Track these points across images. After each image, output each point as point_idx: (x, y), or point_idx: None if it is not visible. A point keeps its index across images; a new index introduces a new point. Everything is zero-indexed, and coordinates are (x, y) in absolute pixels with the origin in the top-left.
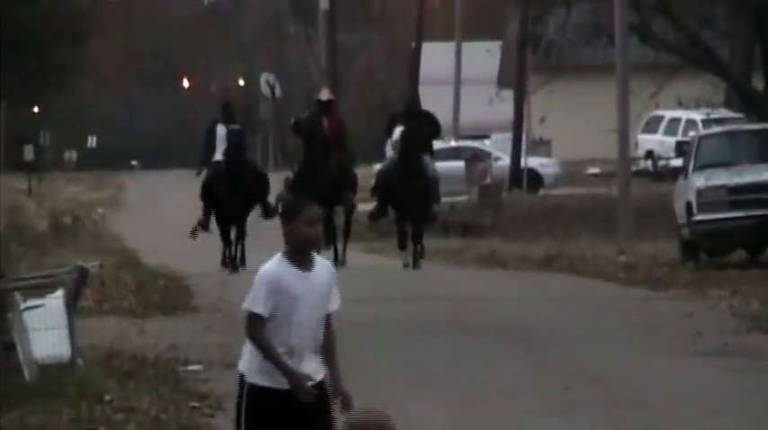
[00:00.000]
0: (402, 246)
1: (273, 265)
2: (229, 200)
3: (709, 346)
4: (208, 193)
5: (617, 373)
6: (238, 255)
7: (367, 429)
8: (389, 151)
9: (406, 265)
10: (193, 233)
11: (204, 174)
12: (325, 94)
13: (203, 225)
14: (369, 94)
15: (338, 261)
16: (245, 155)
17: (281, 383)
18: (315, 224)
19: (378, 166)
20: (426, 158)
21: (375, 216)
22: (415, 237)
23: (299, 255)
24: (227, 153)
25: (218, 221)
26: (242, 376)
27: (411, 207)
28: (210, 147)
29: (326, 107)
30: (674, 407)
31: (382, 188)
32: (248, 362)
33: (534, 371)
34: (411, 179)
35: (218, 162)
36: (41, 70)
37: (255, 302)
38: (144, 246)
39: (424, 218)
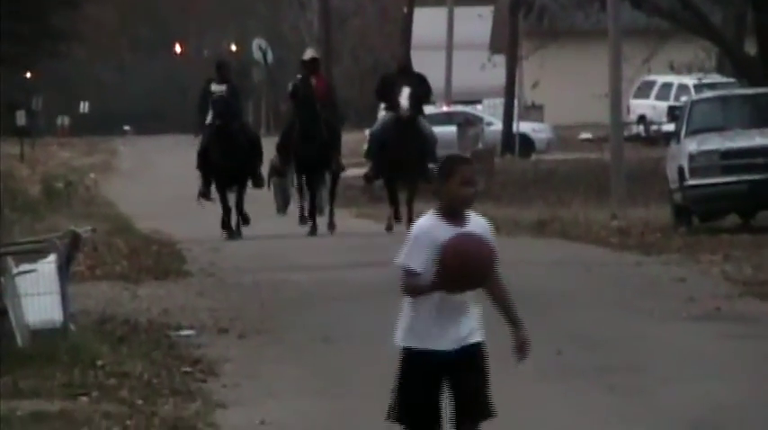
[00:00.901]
0: (393, 202)
1: (426, 221)
2: (224, 165)
3: (701, 311)
4: (204, 162)
5: (609, 338)
6: (235, 222)
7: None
8: (381, 115)
9: (389, 229)
10: (199, 202)
11: (200, 140)
12: (308, 54)
13: (204, 194)
14: (361, 58)
15: (315, 227)
16: (237, 118)
17: (431, 345)
18: (469, 184)
19: (368, 131)
20: (422, 118)
21: (370, 178)
22: (409, 199)
23: (452, 214)
24: (215, 116)
25: (217, 187)
26: (397, 343)
27: (407, 165)
28: (205, 109)
29: (311, 66)
30: (666, 372)
31: (376, 149)
32: (400, 327)
33: None
34: (408, 137)
35: (211, 125)
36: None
37: (408, 257)
38: (136, 212)
39: (418, 176)
